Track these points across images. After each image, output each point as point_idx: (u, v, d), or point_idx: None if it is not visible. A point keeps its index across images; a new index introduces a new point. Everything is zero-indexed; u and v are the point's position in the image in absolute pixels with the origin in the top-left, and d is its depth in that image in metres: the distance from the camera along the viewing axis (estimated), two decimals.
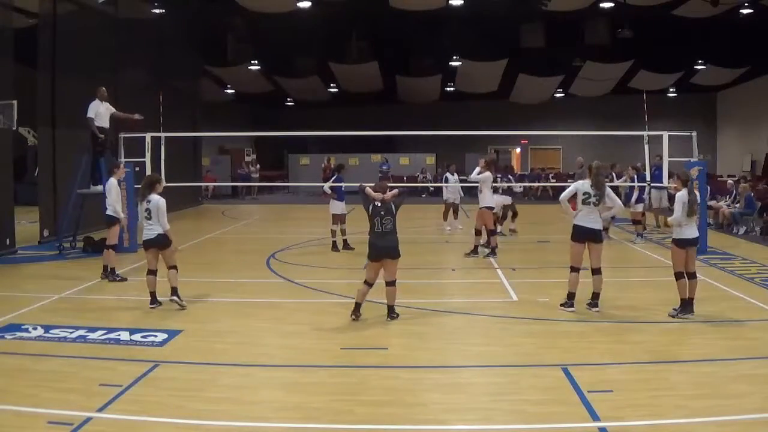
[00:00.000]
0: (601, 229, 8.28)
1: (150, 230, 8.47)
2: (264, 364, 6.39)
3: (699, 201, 8.13)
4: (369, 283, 7.84)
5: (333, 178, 13.56)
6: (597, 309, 8.07)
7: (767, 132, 27.77)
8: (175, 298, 8.37)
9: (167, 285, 8.42)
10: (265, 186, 30.30)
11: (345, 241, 13.35)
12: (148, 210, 8.45)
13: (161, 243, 8.46)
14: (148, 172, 12.97)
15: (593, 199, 8.05)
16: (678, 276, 7.82)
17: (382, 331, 7.47)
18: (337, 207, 13.27)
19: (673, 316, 7.78)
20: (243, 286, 10.07)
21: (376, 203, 7.82)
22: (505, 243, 13.73)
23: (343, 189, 13.37)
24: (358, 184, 8.23)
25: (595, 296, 8.13)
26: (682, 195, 7.84)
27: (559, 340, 7.08)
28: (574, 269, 8.12)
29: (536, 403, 5.33)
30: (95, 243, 13.14)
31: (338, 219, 13.30)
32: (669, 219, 8.58)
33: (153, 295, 8.44)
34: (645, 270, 11.26)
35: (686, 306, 7.79)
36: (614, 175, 16.06)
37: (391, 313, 7.86)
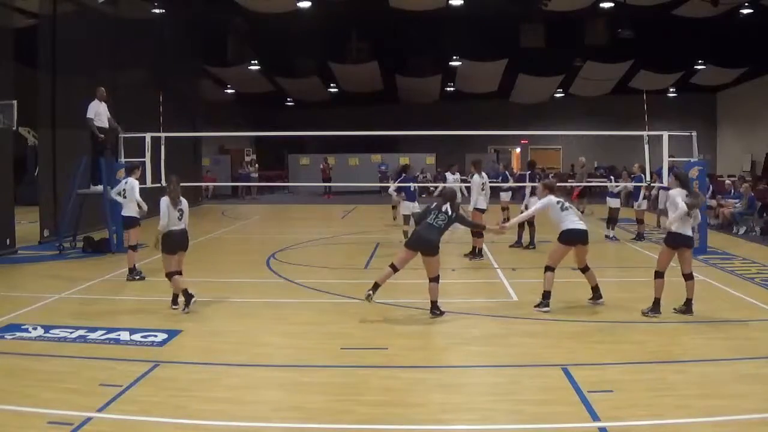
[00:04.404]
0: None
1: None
2: (264, 364, 6.39)
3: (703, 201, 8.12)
4: (395, 268, 7.94)
5: (399, 179, 13.50)
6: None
7: (767, 132, 27.79)
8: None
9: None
10: (265, 186, 30.30)
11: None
12: (180, 210, 8.34)
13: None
14: (149, 172, 13.00)
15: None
16: (658, 275, 7.81)
17: (382, 331, 7.47)
18: (408, 208, 13.09)
19: (644, 314, 7.79)
20: (243, 286, 10.07)
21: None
22: (504, 243, 13.71)
23: (412, 189, 13.26)
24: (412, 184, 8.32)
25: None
26: (679, 193, 7.76)
27: (559, 340, 7.08)
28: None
29: (536, 403, 5.33)
30: (95, 243, 13.15)
31: (408, 219, 13.03)
32: (668, 222, 8.63)
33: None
34: (645, 270, 11.21)
35: (657, 306, 7.79)
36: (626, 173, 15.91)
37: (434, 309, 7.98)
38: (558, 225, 8.26)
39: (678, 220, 7.70)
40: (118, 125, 13.24)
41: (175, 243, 8.27)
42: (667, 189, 14.25)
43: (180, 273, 8.31)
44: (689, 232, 7.89)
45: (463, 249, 12.78)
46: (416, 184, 13.78)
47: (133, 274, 10.32)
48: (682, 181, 7.97)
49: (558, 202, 8.34)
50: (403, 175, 13.48)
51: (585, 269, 8.42)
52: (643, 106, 15.99)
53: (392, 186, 13.38)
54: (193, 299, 8.14)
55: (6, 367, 6.18)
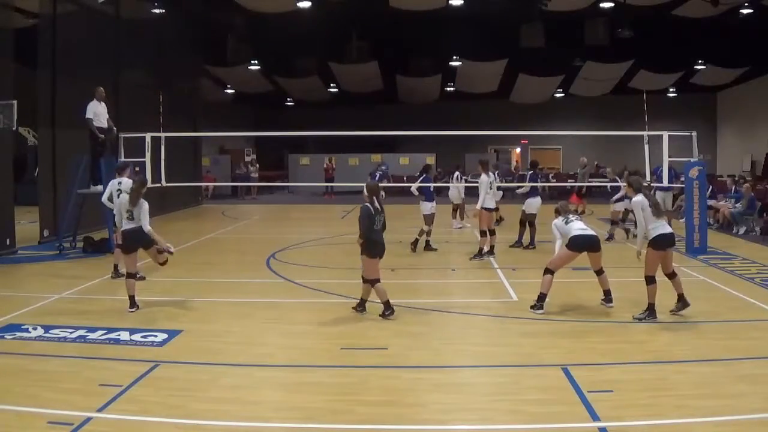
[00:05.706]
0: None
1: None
2: (264, 364, 6.40)
3: (659, 201, 8.19)
4: (377, 280, 7.98)
5: (421, 179, 13.47)
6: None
7: (767, 132, 27.78)
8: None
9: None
10: (265, 186, 30.30)
11: (428, 242, 13.14)
12: (129, 211, 8.57)
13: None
14: (149, 172, 13.00)
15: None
16: (650, 280, 7.73)
17: (382, 331, 7.47)
18: (427, 207, 13.06)
19: (639, 319, 7.70)
20: (243, 286, 10.07)
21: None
22: (505, 243, 13.71)
23: (431, 189, 13.31)
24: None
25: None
26: (639, 201, 7.77)
27: (559, 340, 7.09)
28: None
29: (536, 403, 5.33)
30: (95, 243, 13.15)
31: (428, 220, 13.04)
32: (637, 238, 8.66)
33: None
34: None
35: (653, 311, 7.72)
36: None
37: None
38: (566, 237, 8.28)
39: (653, 222, 7.72)
40: (113, 128, 13.18)
41: (126, 240, 8.63)
42: (665, 189, 14.33)
43: (134, 275, 8.48)
44: (670, 230, 7.89)
45: (466, 249, 12.78)
46: (434, 185, 13.81)
47: (117, 273, 10.26)
48: (636, 188, 7.98)
49: (563, 220, 8.39)
50: (424, 175, 13.43)
51: (599, 272, 8.42)
52: (643, 106, 15.97)
53: (414, 186, 13.34)
54: (136, 308, 8.28)
55: (6, 367, 6.18)
